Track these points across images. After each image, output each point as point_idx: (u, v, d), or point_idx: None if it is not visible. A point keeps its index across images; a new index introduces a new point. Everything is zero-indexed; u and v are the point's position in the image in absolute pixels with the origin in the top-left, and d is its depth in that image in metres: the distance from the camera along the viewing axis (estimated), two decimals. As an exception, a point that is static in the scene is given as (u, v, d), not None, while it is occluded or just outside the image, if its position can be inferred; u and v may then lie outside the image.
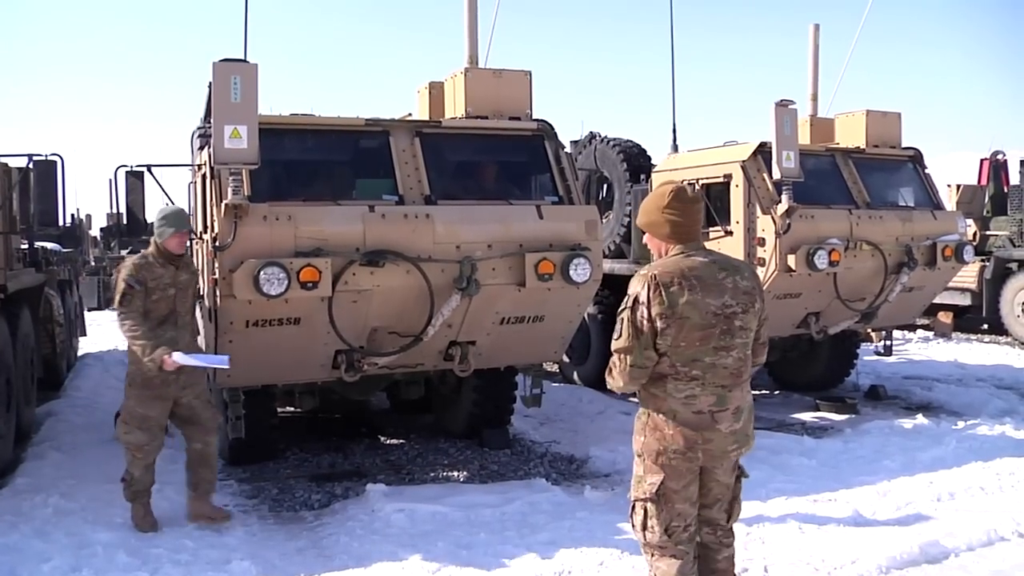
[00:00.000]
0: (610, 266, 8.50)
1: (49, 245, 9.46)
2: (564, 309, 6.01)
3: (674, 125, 9.30)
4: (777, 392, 9.41)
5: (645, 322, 2.90)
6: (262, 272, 4.90)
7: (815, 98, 9.13)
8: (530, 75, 6.28)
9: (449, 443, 7.10)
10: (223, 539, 4.73)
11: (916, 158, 8.73)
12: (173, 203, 6.81)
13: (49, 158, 7.18)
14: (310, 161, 6.13)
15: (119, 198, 6.14)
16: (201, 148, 6.02)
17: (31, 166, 7.06)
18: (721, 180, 7.80)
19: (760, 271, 7.26)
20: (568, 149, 7.57)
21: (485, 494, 5.42)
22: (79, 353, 11.96)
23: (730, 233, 7.65)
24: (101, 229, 22.18)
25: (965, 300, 13.58)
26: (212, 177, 5.33)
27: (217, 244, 5.03)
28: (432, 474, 6.29)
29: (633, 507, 3.07)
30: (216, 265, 5.05)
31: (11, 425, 6.41)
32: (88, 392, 9.17)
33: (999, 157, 15.00)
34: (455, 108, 6.29)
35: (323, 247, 5.16)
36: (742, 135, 8.75)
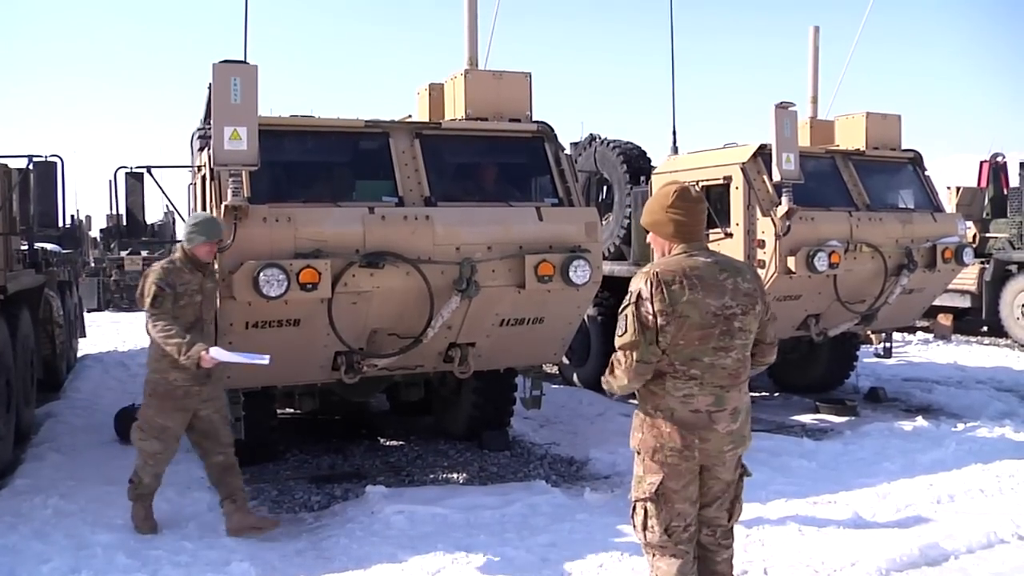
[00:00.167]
0: (610, 268, 8.50)
1: (49, 246, 9.45)
2: (564, 311, 6.01)
3: (674, 127, 9.29)
4: (777, 394, 9.41)
5: (649, 317, 2.90)
6: (262, 273, 4.91)
7: (815, 100, 9.15)
8: (530, 77, 6.28)
9: (449, 445, 7.10)
10: (222, 540, 4.72)
11: (916, 160, 8.74)
12: (173, 204, 6.85)
13: (49, 159, 7.18)
14: (310, 163, 6.14)
15: (119, 199, 6.13)
16: (201, 149, 6.02)
17: (31, 167, 7.05)
18: (721, 182, 7.80)
19: (760, 273, 7.25)
20: (568, 151, 7.56)
21: (485, 496, 5.42)
22: (79, 354, 11.95)
23: (730, 235, 7.65)
24: (101, 230, 22.23)
25: (965, 302, 13.57)
26: (212, 178, 5.34)
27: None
28: (432, 476, 6.29)
29: (634, 507, 3.09)
30: (216, 266, 5.05)
31: (11, 426, 6.40)
32: (88, 393, 9.17)
33: (999, 159, 15.00)
34: (455, 110, 6.30)
35: (323, 248, 5.17)
36: (742, 137, 8.78)
